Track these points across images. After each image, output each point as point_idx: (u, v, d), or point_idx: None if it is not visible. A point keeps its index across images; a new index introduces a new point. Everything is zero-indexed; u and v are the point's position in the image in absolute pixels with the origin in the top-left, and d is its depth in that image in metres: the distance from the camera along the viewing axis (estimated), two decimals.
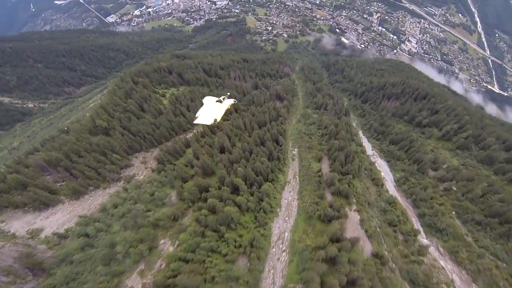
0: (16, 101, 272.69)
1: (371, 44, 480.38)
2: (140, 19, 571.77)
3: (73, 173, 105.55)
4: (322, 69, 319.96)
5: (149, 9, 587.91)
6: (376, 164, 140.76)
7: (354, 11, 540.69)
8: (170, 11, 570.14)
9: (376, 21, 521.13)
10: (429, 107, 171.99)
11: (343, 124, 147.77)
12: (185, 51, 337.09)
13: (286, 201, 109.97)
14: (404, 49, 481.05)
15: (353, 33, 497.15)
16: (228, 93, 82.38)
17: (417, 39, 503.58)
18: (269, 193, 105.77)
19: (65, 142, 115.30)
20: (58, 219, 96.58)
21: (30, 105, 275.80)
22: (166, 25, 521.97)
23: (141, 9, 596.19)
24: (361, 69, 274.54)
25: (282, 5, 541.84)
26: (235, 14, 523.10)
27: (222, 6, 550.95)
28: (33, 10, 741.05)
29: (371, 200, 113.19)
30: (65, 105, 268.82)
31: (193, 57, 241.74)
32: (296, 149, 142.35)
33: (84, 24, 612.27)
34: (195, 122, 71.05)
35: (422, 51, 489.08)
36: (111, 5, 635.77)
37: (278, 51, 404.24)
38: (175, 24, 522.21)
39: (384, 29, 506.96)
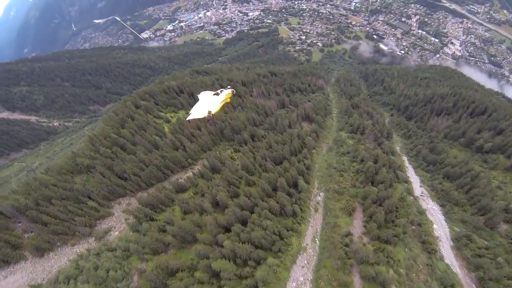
0: (42, 120, 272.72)
1: (411, 49, 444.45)
2: (173, 33, 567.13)
3: (42, 222, 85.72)
4: (360, 79, 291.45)
5: (181, 24, 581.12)
6: (427, 212, 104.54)
7: (391, 15, 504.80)
8: (202, 24, 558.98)
9: (415, 24, 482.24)
10: (490, 126, 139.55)
11: (384, 157, 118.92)
12: (211, 65, 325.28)
13: (294, 284, 77.35)
14: (448, 53, 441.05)
15: (392, 38, 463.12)
16: (229, 86, 71.40)
17: (460, 41, 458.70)
18: (268, 280, 74.24)
19: (40, 184, 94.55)
20: (16, 280, 77.81)
21: (56, 123, 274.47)
22: (198, 39, 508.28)
23: (173, 24, 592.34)
24: (403, 79, 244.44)
25: (316, 13, 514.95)
26: (267, 24, 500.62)
27: (254, 17, 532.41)
28: (74, 29, 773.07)
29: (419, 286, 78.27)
30: (88, 124, 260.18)
31: (214, 72, 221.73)
32: (322, 194, 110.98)
33: (120, 40, 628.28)
34: (187, 118, 63.93)
35: (467, 53, 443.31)
36: (145, 21, 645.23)
37: (312, 62, 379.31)
38: (207, 37, 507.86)
39: (424, 33, 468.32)
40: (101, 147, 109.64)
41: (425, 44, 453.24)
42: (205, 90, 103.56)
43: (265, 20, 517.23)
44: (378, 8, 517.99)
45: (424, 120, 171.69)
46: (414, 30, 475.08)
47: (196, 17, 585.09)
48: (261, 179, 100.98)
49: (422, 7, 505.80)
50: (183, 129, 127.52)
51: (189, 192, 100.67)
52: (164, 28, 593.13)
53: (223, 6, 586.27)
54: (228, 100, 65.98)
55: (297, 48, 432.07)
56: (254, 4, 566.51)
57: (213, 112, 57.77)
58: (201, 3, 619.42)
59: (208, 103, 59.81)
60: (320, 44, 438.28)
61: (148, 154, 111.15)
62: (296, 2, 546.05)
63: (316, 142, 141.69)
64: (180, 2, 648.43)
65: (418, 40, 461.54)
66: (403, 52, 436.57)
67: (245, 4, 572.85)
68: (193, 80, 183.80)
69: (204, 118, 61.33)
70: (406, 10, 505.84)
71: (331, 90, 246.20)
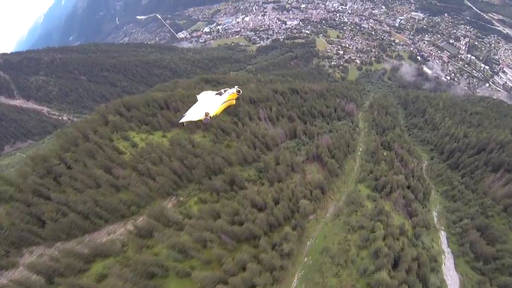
0: (54, 112, 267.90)
1: (458, 75, 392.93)
2: (209, 36, 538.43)
3: None
4: (398, 106, 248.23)
5: (218, 27, 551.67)
6: None
7: (438, 35, 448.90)
8: (238, 29, 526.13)
9: (464, 48, 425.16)
10: None
11: (414, 253, 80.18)
12: (228, 74, 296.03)
13: None
14: (498, 83, 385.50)
15: (437, 61, 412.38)
16: (236, 86, 47.28)
17: None
18: None
19: None
20: None
21: (65, 117, 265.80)
22: (232, 43, 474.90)
23: (211, 26, 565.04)
24: (449, 112, 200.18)
25: (357, 27, 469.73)
26: (305, 35, 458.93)
27: (292, 26, 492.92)
28: (118, 23, 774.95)
29: None
30: None
31: (227, 82, 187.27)
32: None
33: (157, 38, 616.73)
34: (181, 121, 39.89)
35: None
36: (184, 21, 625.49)
37: (346, 81, 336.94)
38: (241, 43, 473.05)
39: (474, 58, 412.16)
40: (31, 175, 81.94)
41: (474, 71, 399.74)
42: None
43: (303, 30, 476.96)
44: (425, 27, 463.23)
45: (476, 176, 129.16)
46: (462, 54, 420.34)
47: (234, 22, 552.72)
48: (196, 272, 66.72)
49: (472, 29, 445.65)
50: (147, 159, 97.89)
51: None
52: (201, 29, 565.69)
53: (262, 13, 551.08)
54: (233, 102, 47.34)
55: (333, 63, 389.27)
56: (294, 13, 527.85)
57: (211, 115, 40.76)
58: (241, 7, 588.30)
59: (208, 104, 43.92)
60: (358, 61, 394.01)
61: (79, 195, 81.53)
62: (337, 14, 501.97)
63: (319, 203, 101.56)
64: (220, 5, 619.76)
65: (466, 65, 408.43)
66: (449, 78, 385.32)
67: (285, 12, 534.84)
68: (188, 92, 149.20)
69: (200, 121, 40.76)
70: (455, 31, 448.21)
71: (362, 117, 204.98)
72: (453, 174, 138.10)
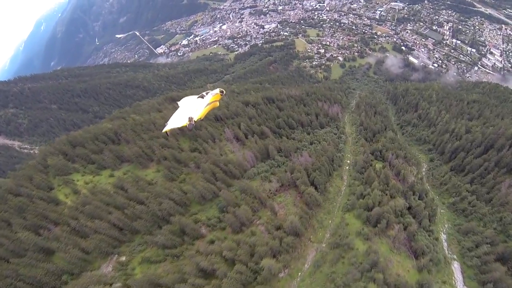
0: (25, 146, 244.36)
1: (445, 62, 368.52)
2: (187, 48, 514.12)
3: None
4: (388, 102, 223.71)
5: (196, 38, 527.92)
6: None
7: (421, 23, 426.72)
8: (216, 38, 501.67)
9: (448, 33, 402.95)
10: None
11: None
12: (211, 85, 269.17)
13: None
14: (487, 65, 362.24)
15: (423, 50, 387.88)
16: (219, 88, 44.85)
17: (500, 50, 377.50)
18: None
19: None
20: None
21: (37, 150, 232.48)
22: (211, 54, 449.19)
23: (188, 38, 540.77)
24: (444, 104, 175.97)
25: (337, 24, 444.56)
26: (283, 37, 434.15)
27: (270, 30, 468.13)
28: (97, 43, 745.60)
29: None
30: None
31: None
32: None
33: (136, 56, 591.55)
34: (164, 129, 40.24)
35: (510, 65, 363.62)
36: (162, 36, 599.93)
37: (329, 81, 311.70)
38: (220, 52, 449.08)
39: (459, 42, 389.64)
40: None
41: (460, 55, 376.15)
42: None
43: (281, 32, 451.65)
44: (406, 16, 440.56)
45: (488, 181, 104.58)
46: (447, 40, 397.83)
47: (211, 31, 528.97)
48: None
49: (454, 13, 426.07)
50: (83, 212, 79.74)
51: None
52: (179, 42, 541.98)
53: (239, 19, 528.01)
54: (217, 103, 43.57)
55: (314, 63, 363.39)
56: (272, 16, 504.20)
57: (195, 119, 38.19)
58: (218, 16, 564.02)
59: (190, 109, 40.64)
60: (340, 58, 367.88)
61: None
62: (316, 13, 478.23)
63: (294, 251, 76.51)
64: (197, 16, 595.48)
65: (452, 51, 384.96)
66: (436, 65, 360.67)
67: (262, 16, 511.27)
68: (144, 117, 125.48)
69: (184, 126, 37.41)
70: (437, 17, 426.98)
71: (349, 120, 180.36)
72: (460, 180, 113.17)
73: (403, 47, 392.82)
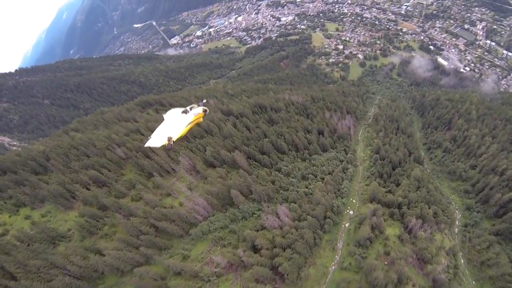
0: (14, 143, 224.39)
1: (478, 65, 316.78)
2: (200, 40, 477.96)
3: None
4: (413, 112, 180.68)
5: (210, 29, 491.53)
6: None
7: (451, 21, 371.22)
8: (230, 30, 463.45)
9: (481, 33, 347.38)
10: None
11: None
12: (214, 81, 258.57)
13: None
14: None
15: (453, 50, 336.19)
16: (204, 100, 44.53)
17: None
18: None
19: None
20: None
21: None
22: (223, 46, 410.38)
23: (203, 30, 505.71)
24: (488, 126, 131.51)
25: (359, 18, 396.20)
26: (300, 30, 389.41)
27: (286, 22, 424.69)
28: (115, 33, 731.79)
29: None
30: None
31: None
32: None
33: (150, 46, 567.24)
34: (145, 145, 38.22)
35: None
36: (177, 26, 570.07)
37: (345, 81, 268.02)
38: (232, 45, 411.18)
39: (493, 44, 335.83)
40: None
41: (495, 59, 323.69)
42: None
43: (298, 25, 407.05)
44: (435, 12, 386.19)
45: None
46: (480, 40, 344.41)
47: (226, 22, 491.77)
48: None
49: (489, 11, 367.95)
50: None
51: None
52: (194, 33, 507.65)
53: (256, 11, 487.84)
54: (201, 119, 40.95)
55: (331, 60, 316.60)
56: (290, 8, 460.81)
57: (174, 139, 35.08)
58: (235, 7, 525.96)
59: (172, 126, 37.28)
60: (360, 56, 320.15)
61: None
62: (336, 6, 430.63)
63: None
64: (214, 7, 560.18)
65: (486, 53, 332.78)
66: (468, 69, 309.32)
67: (280, 8, 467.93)
68: (86, 135, 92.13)
69: (164, 146, 34.06)
70: (469, 15, 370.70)
71: (364, 138, 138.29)
72: None
73: (431, 47, 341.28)
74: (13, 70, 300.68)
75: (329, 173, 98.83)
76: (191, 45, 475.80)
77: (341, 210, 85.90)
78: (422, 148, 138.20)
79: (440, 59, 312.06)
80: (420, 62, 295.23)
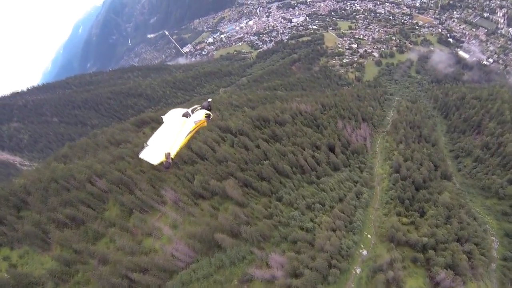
0: (25, 162, 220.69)
1: (501, 55, 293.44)
2: (212, 47, 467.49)
3: None
4: (436, 114, 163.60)
5: (222, 36, 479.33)
6: None
7: (469, 10, 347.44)
8: (242, 35, 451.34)
9: (502, 21, 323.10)
10: None
11: None
12: (224, 89, 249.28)
13: None
14: None
15: (474, 42, 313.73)
16: (210, 100, 29.82)
17: None
18: None
19: None
20: None
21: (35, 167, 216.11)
22: (235, 52, 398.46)
23: (214, 36, 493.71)
24: None
25: (372, 14, 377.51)
26: (312, 31, 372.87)
27: (298, 24, 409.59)
28: (130, 44, 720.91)
29: None
30: None
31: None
32: None
33: (163, 56, 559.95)
34: (140, 156, 25.20)
35: None
36: (189, 34, 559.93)
37: (361, 83, 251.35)
38: (243, 50, 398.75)
39: None
40: None
41: None
42: None
43: (309, 26, 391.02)
44: (451, 2, 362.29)
45: None
46: (502, 29, 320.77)
47: (237, 27, 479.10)
48: None
49: None
50: None
51: None
52: (205, 41, 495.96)
53: (266, 14, 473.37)
54: (205, 123, 29.28)
55: (345, 61, 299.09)
56: (301, 9, 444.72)
57: (173, 155, 24.02)
58: (245, 11, 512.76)
59: (170, 135, 27.19)
60: (376, 55, 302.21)
61: None
62: (348, 3, 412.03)
63: None
64: (224, 12, 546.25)
65: (509, 42, 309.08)
66: (491, 60, 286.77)
67: (290, 9, 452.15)
68: (67, 166, 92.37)
69: (160, 164, 23.89)
70: (487, 2, 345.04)
71: (382, 149, 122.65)
72: None
73: (450, 39, 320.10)
74: (34, 85, 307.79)
75: (340, 200, 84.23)
76: (203, 53, 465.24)
77: (351, 252, 70.47)
78: (448, 156, 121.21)
79: (460, 52, 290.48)
80: (440, 57, 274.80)
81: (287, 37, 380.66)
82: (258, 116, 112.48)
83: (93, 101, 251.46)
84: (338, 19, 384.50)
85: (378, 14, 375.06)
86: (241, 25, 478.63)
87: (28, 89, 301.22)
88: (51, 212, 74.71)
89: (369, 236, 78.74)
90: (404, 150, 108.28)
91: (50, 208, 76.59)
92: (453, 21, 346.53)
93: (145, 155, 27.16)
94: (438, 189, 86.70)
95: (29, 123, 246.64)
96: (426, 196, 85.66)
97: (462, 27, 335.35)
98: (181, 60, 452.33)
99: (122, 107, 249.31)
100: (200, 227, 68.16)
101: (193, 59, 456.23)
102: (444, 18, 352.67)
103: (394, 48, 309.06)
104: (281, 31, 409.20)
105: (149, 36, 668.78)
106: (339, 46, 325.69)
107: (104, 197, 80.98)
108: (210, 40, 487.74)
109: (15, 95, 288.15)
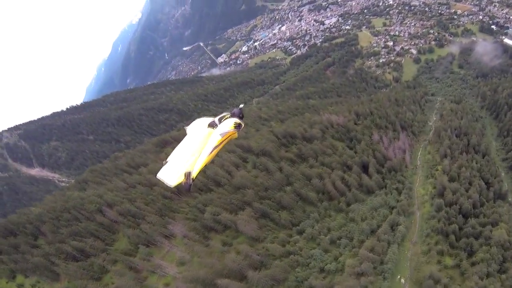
0: (63, 179, 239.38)
1: None
2: (246, 55, 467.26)
3: None
4: (484, 113, 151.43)
5: (255, 43, 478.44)
6: None
7: None
8: (275, 41, 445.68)
9: None
10: None
11: None
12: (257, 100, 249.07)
13: None
14: None
15: None
16: (242, 105, 16.82)
17: None
18: None
19: None
20: None
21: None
22: (269, 59, 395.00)
23: (248, 44, 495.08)
24: None
25: (406, 8, 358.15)
26: (345, 32, 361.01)
27: (330, 25, 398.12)
28: (167, 58, 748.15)
29: None
30: None
31: None
32: None
33: (199, 67, 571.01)
34: (157, 176, 14.77)
35: None
36: (223, 44, 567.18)
37: (399, 84, 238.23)
38: (278, 57, 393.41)
39: None
40: None
41: None
42: None
43: (343, 27, 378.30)
44: None
45: None
46: None
47: (270, 34, 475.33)
48: None
49: None
50: None
51: None
52: (239, 50, 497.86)
53: (298, 18, 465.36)
54: (235, 135, 15.45)
55: (381, 60, 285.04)
56: (332, 10, 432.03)
57: (193, 175, 13.59)
58: (277, 17, 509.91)
59: (191, 152, 15.29)
60: (414, 51, 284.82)
61: None
62: None
63: None
64: (256, 20, 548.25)
65: None
66: None
67: (322, 11, 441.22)
68: (80, 194, 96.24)
69: (180, 184, 13.12)
70: None
71: (423, 164, 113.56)
72: None
73: (493, 26, 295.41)
74: (72, 105, 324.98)
75: (371, 232, 77.02)
76: (238, 62, 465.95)
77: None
78: (501, 166, 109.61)
79: (506, 40, 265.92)
80: (484, 48, 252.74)
81: (321, 40, 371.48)
82: (284, 132, 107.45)
83: (126, 118, 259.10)
84: (371, 17, 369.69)
85: (412, 7, 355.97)
86: (274, 31, 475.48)
87: (67, 109, 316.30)
88: (61, 244, 76.95)
89: (402, 280, 69.47)
90: (449, 166, 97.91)
91: (60, 240, 79.18)
92: (494, 6, 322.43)
93: (162, 174, 21.58)
94: (491, 218, 76.59)
95: (67, 141, 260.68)
96: (477, 229, 75.11)
97: (504, 11, 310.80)
98: (215, 71, 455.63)
99: (154, 123, 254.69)
100: (203, 270, 64.37)
101: (228, 68, 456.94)
102: (484, 3, 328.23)
103: (433, 43, 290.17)
104: (314, 35, 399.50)
105: (184, 48, 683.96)
106: (374, 45, 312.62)
107: (114, 227, 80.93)
108: (244, 48, 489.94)
109: (54, 115, 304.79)
